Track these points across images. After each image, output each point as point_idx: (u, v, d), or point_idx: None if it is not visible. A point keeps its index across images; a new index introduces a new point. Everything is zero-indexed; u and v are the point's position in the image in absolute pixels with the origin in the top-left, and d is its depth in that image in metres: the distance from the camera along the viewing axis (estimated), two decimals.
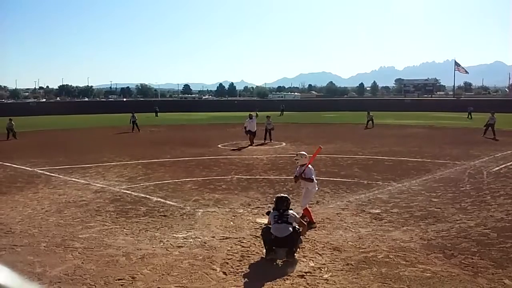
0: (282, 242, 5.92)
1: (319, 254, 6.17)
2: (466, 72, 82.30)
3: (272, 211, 6.44)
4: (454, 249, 6.25)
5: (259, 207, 8.83)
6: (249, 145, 19.60)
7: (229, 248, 6.45)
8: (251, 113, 21.12)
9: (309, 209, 7.79)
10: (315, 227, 7.44)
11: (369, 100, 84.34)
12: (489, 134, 22.45)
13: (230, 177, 12.27)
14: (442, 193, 9.96)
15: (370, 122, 31.25)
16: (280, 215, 6.20)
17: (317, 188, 8.08)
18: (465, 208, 8.61)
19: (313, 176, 7.68)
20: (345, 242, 6.66)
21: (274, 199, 6.61)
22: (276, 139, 21.40)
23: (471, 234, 6.96)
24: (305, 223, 6.84)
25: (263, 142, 20.72)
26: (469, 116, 40.68)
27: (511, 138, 21.64)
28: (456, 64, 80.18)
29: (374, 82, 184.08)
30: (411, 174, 12.32)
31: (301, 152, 8.16)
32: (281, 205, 6.34)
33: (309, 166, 7.75)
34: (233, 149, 18.67)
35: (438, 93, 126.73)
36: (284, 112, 49.41)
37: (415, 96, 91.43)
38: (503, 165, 13.60)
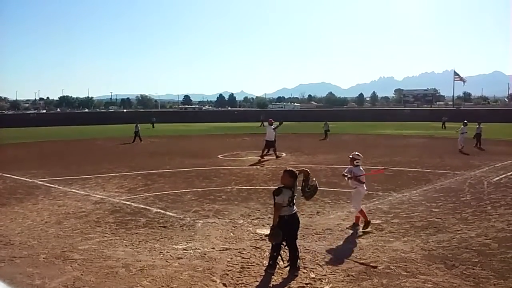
0: (294, 218, 5.90)
1: (320, 265, 6.14)
2: (462, 80, 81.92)
3: (283, 189, 5.78)
4: (455, 260, 6.22)
5: (259, 218, 8.81)
6: (259, 156, 18.69)
7: (229, 259, 6.42)
8: (271, 119, 19.70)
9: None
10: (369, 223, 7.89)
11: (369, 110, 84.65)
12: (484, 144, 22.48)
13: (230, 187, 12.25)
14: (443, 203, 9.95)
15: (327, 132, 30.83)
16: (293, 197, 5.83)
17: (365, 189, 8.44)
18: (466, 218, 8.59)
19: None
20: (346, 253, 6.64)
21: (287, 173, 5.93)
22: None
23: (472, 244, 6.94)
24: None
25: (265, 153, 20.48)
26: (443, 126, 40.87)
27: (510, 148, 21.65)
28: (455, 74, 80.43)
29: (374, 92, 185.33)
30: (411, 184, 12.32)
31: (357, 153, 8.36)
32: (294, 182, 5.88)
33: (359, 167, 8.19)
34: (233, 160, 18.66)
35: (437, 103, 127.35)
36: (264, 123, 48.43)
37: (415, 106, 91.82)
38: (503, 175, 13.59)
